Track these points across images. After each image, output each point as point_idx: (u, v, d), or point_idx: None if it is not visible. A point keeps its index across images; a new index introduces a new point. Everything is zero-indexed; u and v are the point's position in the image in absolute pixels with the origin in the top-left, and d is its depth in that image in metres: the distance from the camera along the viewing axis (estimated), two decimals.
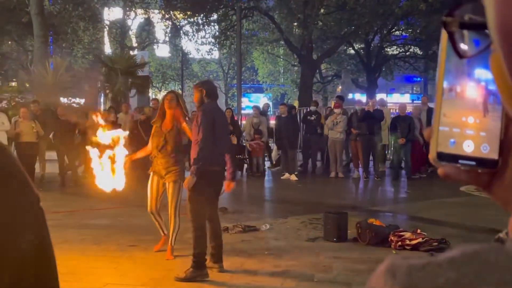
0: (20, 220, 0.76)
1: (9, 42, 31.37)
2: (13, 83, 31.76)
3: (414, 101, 33.38)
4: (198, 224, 5.80)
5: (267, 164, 17.13)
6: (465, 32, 0.48)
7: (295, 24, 25.97)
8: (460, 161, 0.50)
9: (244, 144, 15.69)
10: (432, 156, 0.50)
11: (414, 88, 47.80)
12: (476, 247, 0.36)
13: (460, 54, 0.49)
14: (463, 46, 0.49)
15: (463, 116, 0.50)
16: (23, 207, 0.76)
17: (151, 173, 6.74)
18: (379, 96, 27.80)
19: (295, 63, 31.40)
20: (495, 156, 0.49)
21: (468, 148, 0.50)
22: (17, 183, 0.77)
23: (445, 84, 0.51)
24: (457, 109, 0.50)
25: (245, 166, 15.84)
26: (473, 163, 0.50)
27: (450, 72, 0.51)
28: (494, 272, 0.33)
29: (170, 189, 6.49)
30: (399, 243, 7.01)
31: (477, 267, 0.33)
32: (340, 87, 38.44)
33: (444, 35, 0.50)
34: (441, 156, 0.50)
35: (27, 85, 22.17)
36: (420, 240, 6.99)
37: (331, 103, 17.55)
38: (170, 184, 6.50)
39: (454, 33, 0.48)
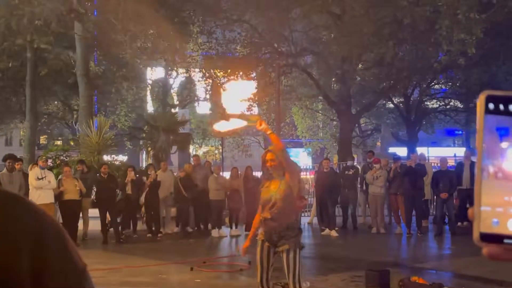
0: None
1: (56, 102, 32.47)
2: (58, 142, 32.70)
3: (456, 155, 32.86)
4: None
5: (306, 219, 17.00)
6: None
7: (333, 79, 26.20)
8: (505, 240, 0.50)
9: None
10: (475, 236, 0.51)
11: (456, 141, 47.18)
12: None
13: None
14: None
15: (506, 196, 0.51)
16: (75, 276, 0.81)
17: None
18: (420, 149, 27.50)
19: (334, 118, 31.50)
20: None
21: None
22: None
23: (484, 165, 0.52)
24: (499, 189, 0.51)
25: None
26: None
27: (488, 152, 0.52)
28: None
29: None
30: None
31: None
32: (379, 141, 38.23)
33: (480, 116, 0.52)
34: (485, 237, 0.51)
35: (72, 143, 22.81)
36: None
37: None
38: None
39: None
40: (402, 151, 29.38)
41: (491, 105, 0.53)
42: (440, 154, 30.68)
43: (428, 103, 31.14)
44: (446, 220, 14.57)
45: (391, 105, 31.03)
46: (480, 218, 0.51)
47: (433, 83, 28.39)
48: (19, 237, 0.76)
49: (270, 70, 26.54)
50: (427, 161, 16.80)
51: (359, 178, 15.97)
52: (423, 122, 30.64)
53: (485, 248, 0.50)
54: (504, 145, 0.52)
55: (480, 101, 0.53)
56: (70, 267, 0.81)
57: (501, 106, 0.53)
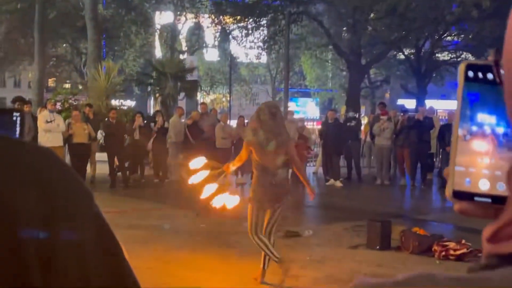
0: (76, 213, 0.85)
1: (64, 45, 32.35)
2: (67, 85, 32.72)
3: None
4: None
5: (312, 169, 17.14)
6: None
7: (344, 29, 25.89)
8: (475, 198, 0.55)
9: None
10: (448, 193, 0.56)
11: None
12: (415, 274, 0.43)
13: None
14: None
15: (479, 157, 0.55)
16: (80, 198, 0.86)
17: None
18: (429, 102, 27.39)
19: (344, 68, 31.27)
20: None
21: (483, 186, 0.55)
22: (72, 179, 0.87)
23: (461, 128, 0.56)
24: (473, 150, 0.55)
25: (290, 171, 15.88)
26: (489, 200, 0.54)
27: (465, 116, 0.56)
28: None
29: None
30: (443, 253, 6.97)
31: None
32: (388, 93, 38.02)
33: (460, 83, 0.56)
34: (457, 194, 0.56)
35: (80, 87, 22.85)
36: (464, 250, 6.93)
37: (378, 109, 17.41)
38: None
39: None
40: (411, 103, 29.26)
41: (470, 74, 0.57)
42: (449, 107, 30.54)
43: (439, 55, 30.78)
44: None
45: (402, 57, 30.71)
46: (454, 177, 0.55)
47: (445, 35, 27.99)
48: (24, 175, 0.81)
49: (280, 18, 26.22)
50: (435, 114, 16.74)
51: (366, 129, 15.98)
52: (433, 75, 30.37)
53: (457, 204, 0.55)
54: (476, 109, 0.56)
55: (460, 70, 0.57)
56: (76, 192, 0.86)
57: (480, 75, 0.57)
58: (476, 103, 0.57)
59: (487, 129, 0.56)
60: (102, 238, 0.86)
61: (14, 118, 1.29)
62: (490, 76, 0.56)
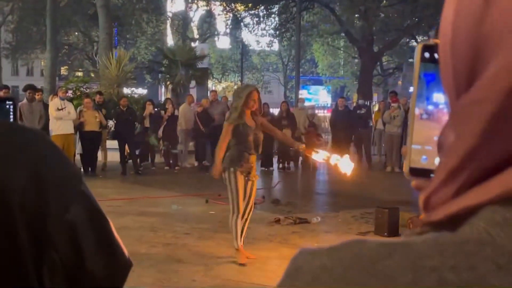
0: (65, 192, 0.87)
1: (76, 33, 32.46)
2: (79, 73, 32.88)
3: None
4: None
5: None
6: None
7: (356, 16, 25.72)
8: (431, 175, 0.54)
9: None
10: (406, 170, 0.57)
11: None
12: (351, 240, 0.45)
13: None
14: None
15: (434, 135, 0.55)
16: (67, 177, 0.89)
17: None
18: None
19: (356, 56, 31.12)
20: None
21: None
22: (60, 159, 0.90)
23: (417, 107, 0.57)
24: (428, 129, 0.57)
25: (300, 158, 15.90)
26: None
27: (421, 96, 0.57)
28: (344, 261, 0.42)
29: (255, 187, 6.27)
30: None
31: (338, 256, 0.42)
32: (401, 80, 37.80)
33: (416, 64, 0.57)
34: (414, 171, 0.57)
35: (92, 75, 22.94)
36: None
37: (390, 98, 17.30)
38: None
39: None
40: None
41: (426, 54, 0.58)
42: None
43: None
44: None
45: (414, 44, 30.48)
46: (411, 155, 0.57)
47: None
48: (13, 155, 0.84)
49: (292, 5, 26.11)
50: None
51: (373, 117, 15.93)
52: None
53: (414, 181, 0.56)
54: (431, 89, 0.58)
55: (417, 51, 0.59)
56: (66, 172, 0.89)
57: (435, 56, 0.58)
58: (432, 83, 0.58)
59: (442, 109, 0.57)
60: (90, 214, 0.89)
61: (7, 106, 1.33)
62: None
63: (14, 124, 0.95)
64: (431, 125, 0.57)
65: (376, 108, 18.69)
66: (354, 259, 0.41)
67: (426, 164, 0.57)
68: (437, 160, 0.57)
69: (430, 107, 0.58)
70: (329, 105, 26.05)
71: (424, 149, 0.57)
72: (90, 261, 0.86)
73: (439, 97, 0.57)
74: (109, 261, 0.90)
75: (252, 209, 6.25)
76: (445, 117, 0.57)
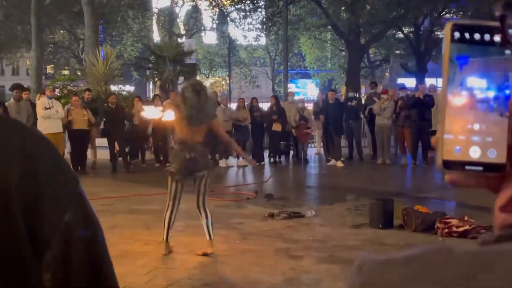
0: (62, 195, 0.82)
1: (61, 32, 32.19)
2: (65, 72, 32.64)
3: None
4: None
5: (314, 150, 17.11)
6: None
7: (343, 8, 25.69)
8: (466, 167, 0.52)
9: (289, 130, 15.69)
10: (439, 163, 0.52)
11: None
12: (429, 247, 0.38)
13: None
14: None
15: (468, 124, 0.52)
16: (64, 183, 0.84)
17: None
18: (429, 80, 27.27)
19: (343, 48, 31.11)
20: (502, 160, 0.51)
21: (474, 153, 0.52)
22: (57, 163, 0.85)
23: (450, 93, 0.53)
24: (462, 117, 0.52)
25: (291, 152, 15.88)
26: (480, 168, 0.51)
27: (453, 81, 0.53)
28: (433, 273, 0.36)
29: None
30: (446, 230, 6.95)
31: (422, 266, 0.37)
32: (388, 72, 37.88)
33: (446, 45, 0.52)
34: (447, 164, 0.52)
35: (79, 73, 22.76)
36: (467, 227, 6.91)
37: (380, 89, 17.33)
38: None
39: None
40: (411, 82, 29.16)
41: (456, 34, 0.54)
42: None
43: (439, 33, 30.57)
44: None
45: (401, 36, 30.55)
46: (443, 146, 0.52)
47: (444, 12, 27.80)
48: (7, 153, 0.80)
49: None
50: (436, 92, 16.68)
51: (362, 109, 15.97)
52: (433, 53, 30.23)
53: (448, 174, 0.52)
54: (465, 73, 0.53)
55: (446, 30, 0.54)
56: (63, 175, 0.85)
57: (467, 35, 0.53)
58: (466, 66, 0.53)
59: (478, 94, 0.52)
60: (85, 220, 0.85)
61: None
62: (477, 37, 0.52)
63: (7, 118, 0.91)
64: (465, 112, 0.52)
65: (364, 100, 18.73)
66: (444, 271, 0.36)
67: (460, 155, 0.52)
68: (473, 151, 0.52)
69: (464, 92, 0.53)
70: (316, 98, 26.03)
71: (457, 138, 0.52)
72: (74, 277, 0.83)
73: (474, 81, 0.53)
74: (93, 281, 0.87)
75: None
76: (481, 104, 0.52)
